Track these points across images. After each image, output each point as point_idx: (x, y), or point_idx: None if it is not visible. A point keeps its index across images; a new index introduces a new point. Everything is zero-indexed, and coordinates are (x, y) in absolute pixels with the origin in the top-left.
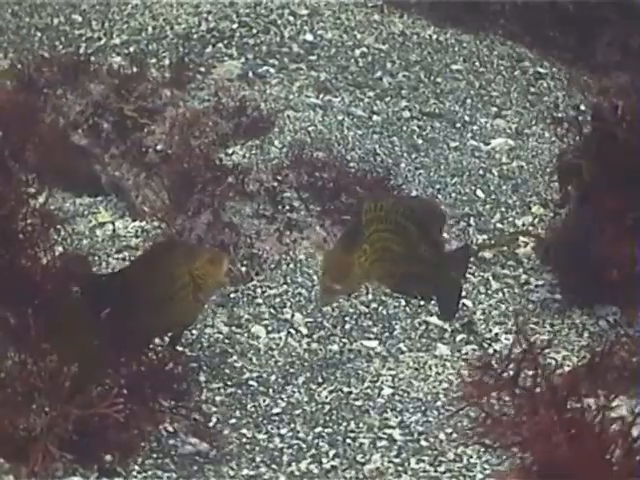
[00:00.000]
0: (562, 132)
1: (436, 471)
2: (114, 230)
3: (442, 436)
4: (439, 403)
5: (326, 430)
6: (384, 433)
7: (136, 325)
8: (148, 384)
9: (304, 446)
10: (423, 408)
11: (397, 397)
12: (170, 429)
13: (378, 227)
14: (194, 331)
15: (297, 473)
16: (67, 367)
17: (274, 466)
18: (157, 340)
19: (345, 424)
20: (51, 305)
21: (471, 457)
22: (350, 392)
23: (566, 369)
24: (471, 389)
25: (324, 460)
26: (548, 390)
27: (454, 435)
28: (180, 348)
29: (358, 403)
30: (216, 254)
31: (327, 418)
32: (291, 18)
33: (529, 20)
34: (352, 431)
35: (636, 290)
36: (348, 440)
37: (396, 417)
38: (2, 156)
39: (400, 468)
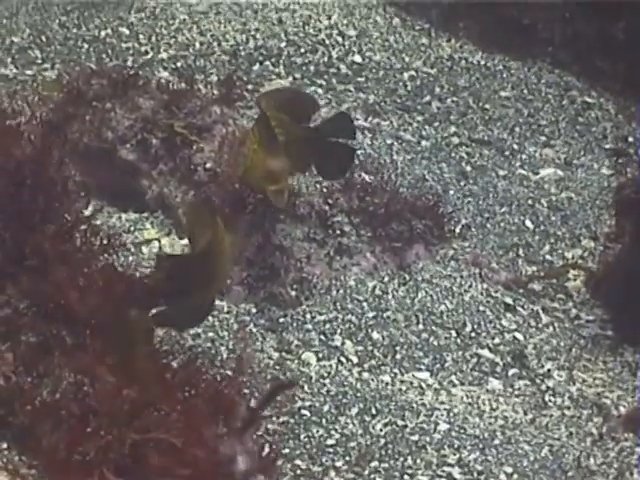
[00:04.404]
0: (618, 165)
1: None
2: (160, 247)
3: (503, 477)
4: (497, 441)
5: (382, 465)
6: (443, 471)
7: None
8: (203, 409)
9: None
10: (481, 446)
11: (454, 433)
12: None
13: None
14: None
15: None
16: (127, 391)
17: None
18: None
19: (402, 459)
20: (109, 325)
21: None
22: (405, 426)
23: (622, 410)
24: None
25: None
26: None
27: (515, 476)
28: (230, 373)
29: (414, 438)
30: None
31: (383, 452)
32: (339, 39)
33: (577, 49)
34: (409, 467)
35: None
36: (406, 476)
37: (454, 454)
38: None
39: None
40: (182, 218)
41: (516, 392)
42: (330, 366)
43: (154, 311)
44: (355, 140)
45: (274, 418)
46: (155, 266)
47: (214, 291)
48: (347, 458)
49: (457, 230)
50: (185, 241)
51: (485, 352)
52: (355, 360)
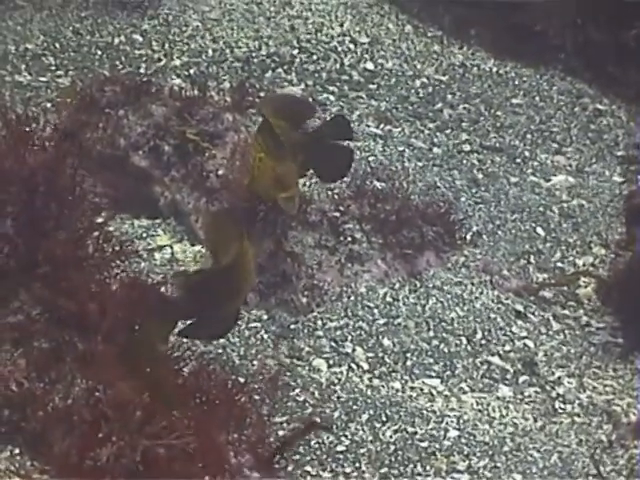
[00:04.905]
0: (629, 173)
1: None
2: (172, 254)
3: None
4: (506, 448)
5: (392, 471)
6: (452, 477)
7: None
8: (214, 415)
9: None
10: (490, 453)
11: (463, 440)
12: (233, 462)
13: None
14: (255, 362)
15: None
16: (139, 397)
17: None
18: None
19: (412, 466)
20: (122, 332)
21: None
22: (415, 432)
23: (632, 417)
24: None
25: None
26: None
27: None
28: (242, 379)
29: (424, 444)
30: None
31: (393, 459)
32: (351, 46)
33: (589, 56)
34: (419, 474)
35: None
36: None
37: (464, 461)
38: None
39: None
40: (195, 225)
41: (526, 399)
42: (341, 373)
43: (182, 326)
44: (352, 141)
45: (284, 424)
46: (182, 283)
47: (239, 301)
48: (357, 464)
49: (468, 237)
50: (197, 247)
51: (495, 359)
52: (366, 367)
